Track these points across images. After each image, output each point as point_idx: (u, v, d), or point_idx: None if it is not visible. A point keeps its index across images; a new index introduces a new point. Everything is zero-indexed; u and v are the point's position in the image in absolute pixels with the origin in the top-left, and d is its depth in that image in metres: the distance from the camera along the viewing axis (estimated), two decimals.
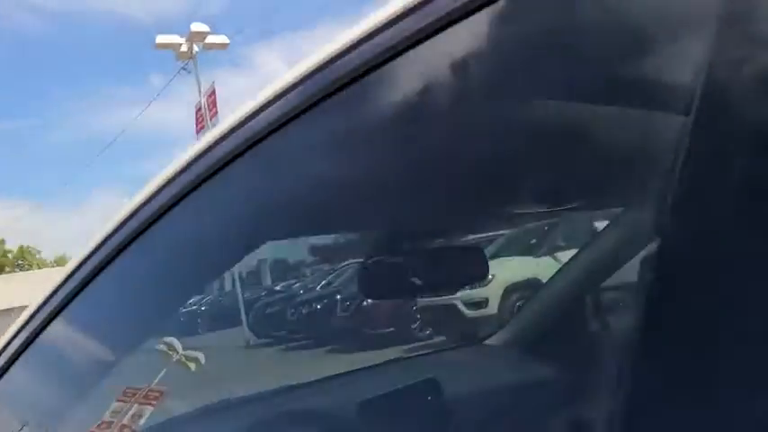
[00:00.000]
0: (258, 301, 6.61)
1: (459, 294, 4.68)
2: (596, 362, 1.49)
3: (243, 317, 6.45)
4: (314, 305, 5.96)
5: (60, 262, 46.63)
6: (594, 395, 1.52)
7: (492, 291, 4.68)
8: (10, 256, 47.40)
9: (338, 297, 5.60)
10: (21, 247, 48.19)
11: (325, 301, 5.87)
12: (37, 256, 49.62)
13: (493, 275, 5.12)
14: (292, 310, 6.18)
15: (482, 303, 4.63)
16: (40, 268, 42.48)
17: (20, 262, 47.53)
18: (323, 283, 6.73)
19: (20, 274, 37.08)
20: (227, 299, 9.39)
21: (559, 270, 1.59)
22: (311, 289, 6.58)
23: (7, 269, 44.50)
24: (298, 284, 9.51)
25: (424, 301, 4.88)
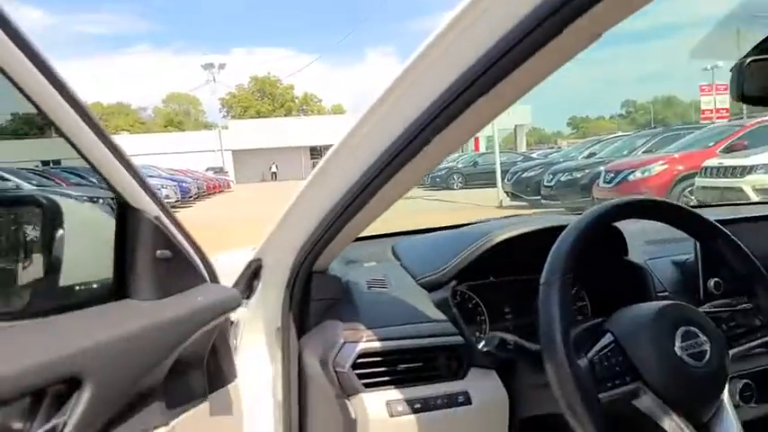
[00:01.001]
0: (514, 166, 6.63)
1: (748, 178, 4.12)
2: None
3: (498, 179, 6.56)
4: (573, 174, 5.78)
5: (336, 110, 52.15)
6: None
7: None
8: (296, 101, 53.83)
9: (602, 168, 5.34)
10: (305, 94, 54.25)
11: (587, 171, 5.65)
12: (318, 104, 55.55)
13: None
14: (550, 177, 6.09)
15: None
16: (320, 114, 47.91)
17: (303, 107, 53.70)
18: (585, 152, 6.41)
19: (306, 118, 41.93)
20: (483, 160, 9.59)
21: None
22: (572, 158, 6.34)
23: (294, 113, 50.77)
24: (556, 153, 9.26)
25: (703, 181, 4.38)
